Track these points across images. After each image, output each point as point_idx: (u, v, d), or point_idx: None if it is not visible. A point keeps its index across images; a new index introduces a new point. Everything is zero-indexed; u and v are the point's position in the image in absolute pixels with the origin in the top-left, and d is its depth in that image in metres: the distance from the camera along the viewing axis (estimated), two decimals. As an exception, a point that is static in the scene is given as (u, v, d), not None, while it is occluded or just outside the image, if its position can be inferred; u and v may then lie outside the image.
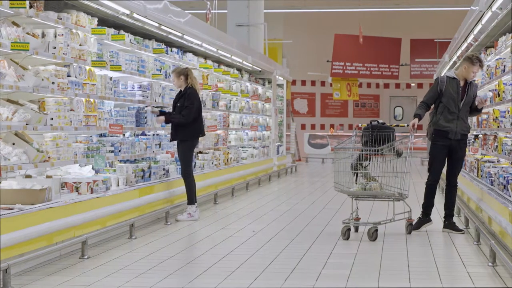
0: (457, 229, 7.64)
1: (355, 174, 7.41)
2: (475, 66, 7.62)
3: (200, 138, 9.20)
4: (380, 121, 7.65)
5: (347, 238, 7.18)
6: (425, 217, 7.80)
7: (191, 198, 8.70)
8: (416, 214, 7.85)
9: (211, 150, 11.92)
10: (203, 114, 9.17)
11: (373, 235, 7.09)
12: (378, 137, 7.43)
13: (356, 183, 7.39)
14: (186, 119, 8.58)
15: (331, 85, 27.39)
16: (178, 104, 8.68)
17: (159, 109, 9.27)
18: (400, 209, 7.51)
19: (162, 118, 8.73)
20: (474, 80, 7.86)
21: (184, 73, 8.70)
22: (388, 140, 7.38)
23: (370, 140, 7.45)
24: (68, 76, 7.07)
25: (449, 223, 7.72)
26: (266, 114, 17.63)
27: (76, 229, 6.45)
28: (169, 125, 9.75)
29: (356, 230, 7.57)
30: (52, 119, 6.67)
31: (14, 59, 6.38)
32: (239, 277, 5.49)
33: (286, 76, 19.95)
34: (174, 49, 10.34)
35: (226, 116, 13.41)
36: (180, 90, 8.80)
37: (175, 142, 8.99)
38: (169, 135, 9.86)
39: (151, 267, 5.80)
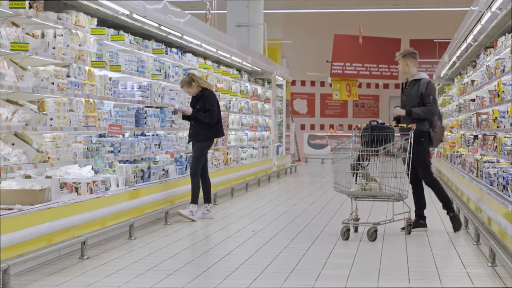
0: (420, 226, 7.71)
1: (355, 175, 7.40)
2: (401, 59, 7.80)
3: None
4: (380, 121, 7.64)
5: (347, 238, 7.18)
6: (419, 220, 7.77)
7: (195, 197, 8.72)
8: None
9: (211, 151, 11.92)
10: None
11: (372, 235, 7.09)
12: (377, 137, 7.41)
13: (356, 183, 7.39)
14: (210, 121, 8.74)
15: (330, 85, 27.39)
16: (198, 107, 8.75)
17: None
18: (399, 210, 7.51)
19: (191, 110, 8.77)
20: (422, 78, 7.79)
21: (193, 79, 8.82)
22: (388, 141, 7.36)
23: (370, 141, 7.43)
24: (68, 76, 7.07)
25: (416, 222, 7.75)
26: (265, 115, 17.63)
27: (76, 230, 6.45)
28: (168, 125, 9.76)
29: (356, 230, 7.57)
30: (51, 119, 6.67)
31: (14, 60, 6.38)
32: (238, 277, 5.49)
33: (285, 77, 19.95)
34: (174, 50, 10.34)
35: (225, 117, 13.40)
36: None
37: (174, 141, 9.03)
38: (168, 135, 9.89)
39: (151, 268, 5.80)
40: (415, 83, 7.76)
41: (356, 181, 7.39)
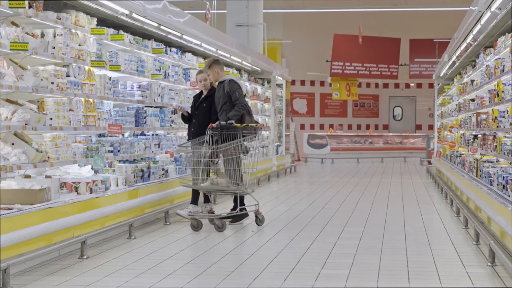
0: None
1: (207, 171, 8.22)
2: (208, 71, 8.53)
3: None
4: (230, 122, 8.14)
5: (200, 229, 7.82)
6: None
7: (195, 198, 8.73)
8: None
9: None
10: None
11: (223, 226, 7.73)
12: (226, 136, 8.01)
13: (207, 179, 8.10)
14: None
15: (330, 85, 27.39)
16: (204, 105, 8.71)
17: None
18: (250, 202, 8.30)
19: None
20: (225, 79, 8.46)
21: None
22: (235, 139, 7.98)
23: (220, 139, 8.05)
24: (67, 76, 7.07)
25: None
26: (265, 114, 17.63)
27: (75, 229, 6.45)
28: (168, 125, 9.76)
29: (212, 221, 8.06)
30: (51, 119, 6.67)
31: (14, 59, 6.38)
32: (238, 277, 5.49)
33: (285, 76, 19.95)
34: (173, 49, 10.33)
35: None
36: (201, 91, 8.83)
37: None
38: (168, 135, 9.89)
39: (150, 267, 5.80)
40: (221, 85, 8.47)
41: (208, 176, 8.24)
